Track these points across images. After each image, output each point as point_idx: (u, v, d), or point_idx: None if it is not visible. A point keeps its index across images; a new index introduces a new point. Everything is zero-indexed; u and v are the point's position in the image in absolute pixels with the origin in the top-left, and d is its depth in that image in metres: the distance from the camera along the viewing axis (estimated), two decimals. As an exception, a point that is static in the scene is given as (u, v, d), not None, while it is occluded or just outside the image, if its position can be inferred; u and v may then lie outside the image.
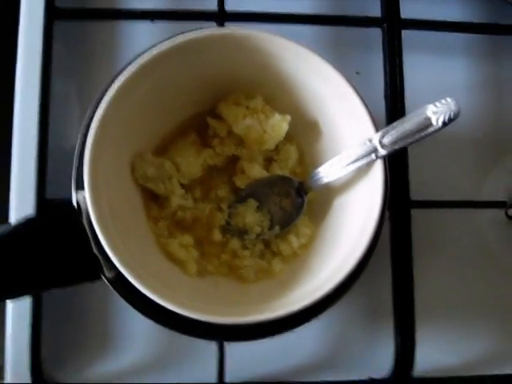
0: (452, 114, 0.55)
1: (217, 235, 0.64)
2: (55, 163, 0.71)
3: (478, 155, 0.79)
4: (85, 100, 0.74)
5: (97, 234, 0.54)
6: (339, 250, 0.59)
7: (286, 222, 0.65)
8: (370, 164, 0.58)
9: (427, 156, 0.75)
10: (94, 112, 0.56)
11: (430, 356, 0.72)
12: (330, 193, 0.64)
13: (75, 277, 0.57)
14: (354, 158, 0.58)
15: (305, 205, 0.64)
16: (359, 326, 0.74)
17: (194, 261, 0.62)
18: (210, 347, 0.69)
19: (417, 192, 0.72)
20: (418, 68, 0.78)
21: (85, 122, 0.58)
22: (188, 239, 0.63)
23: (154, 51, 0.57)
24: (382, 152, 0.57)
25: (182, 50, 0.58)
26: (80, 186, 0.56)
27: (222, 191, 0.66)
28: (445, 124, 0.55)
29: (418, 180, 0.72)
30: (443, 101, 0.55)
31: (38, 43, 0.72)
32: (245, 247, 0.65)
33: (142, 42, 0.73)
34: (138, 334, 0.72)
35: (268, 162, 0.67)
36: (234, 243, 0.65)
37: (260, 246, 0.65)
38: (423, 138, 0.56)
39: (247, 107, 0.64)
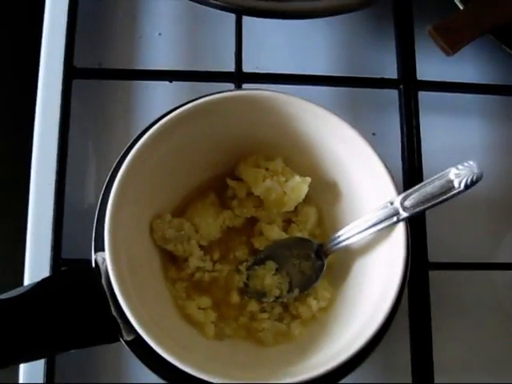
0: (475, 176, 0.55)
1: (235, 297, 0.64)
2: (71, 224, 0.71)
3: (494, 217, 0.78)
4: (101, 159, 0.75)
5: (116, 295, 0.54)
6: (360, 313, 0.58)
7: (305, 285, 0.64)
8: (391, 227, 0.58)
9: (444, 218, 0.75)
10: (115, 173, 0.57)
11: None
12: (350, 255, 0.64)
13: (93, 339, 0.56)
14: (375, 220, 0.58)
15: (324, 268, 0.63)
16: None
17: (211, 323, 0.61)
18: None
19: (434, 253, 0.72)
20: (434, 129, 0.78)
21: (106, 183, 0.58)
22: (206, 301, 0.62)
23: (174, 114, 0.58)
24: (404, 215, 0.57)
25: (200, 113, 0.59)
26: (99, 247, 0.56)
27: (241, 253, 0.65)
28: (467, 187, 0.55)
29: (434, 241, 0.72)
30: (465, 163, 0.55)
31: (56, 102, 0.73)
32: (263, 310, 0.64)
33: (160, 102, 0.75)
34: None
35: (287, 223, 0.66)
36: (252, 306, 0.64)
37: (279, 309, 0.64)
38: (445, 200, 0.56)
39: (267, 169, 0.64)
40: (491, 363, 0.75)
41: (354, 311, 0.60)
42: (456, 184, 0.55)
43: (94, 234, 0.58)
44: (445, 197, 0.56)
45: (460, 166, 0.55)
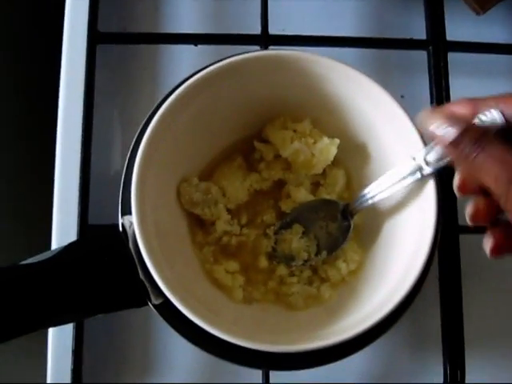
0: (498, 120, 0.51)
1: (263, 262, 0.63)
2: (97, 189, 0.70)
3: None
4: (127, 124, 0.74)
5: (143, 259, 0.53)
6: (390, 275, 0.58)
7: (333, 247, 0.63)
8: (420, 185, 0.57)
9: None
10: (140, 136, 0.56)
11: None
12: (379, 216, 0.63)
13: (122, 302, 0.56)
14: (398, 177, 0.56)
15: (351, 228, 0.62)
16: (407, 354, 0.72)
17: (239, 287, 0.61)
18: (255, 373, 0.67)
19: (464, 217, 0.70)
20: (463, 91, 0.75)
21: (131, 147, 0.57)
22: (234, 265, 0.62)
23: (200, 75, 0.57)
24: (427, 170, 0.55)
25: (228, 73, 0.58)
26: (126, 211, 0.55)
27: (268, 216, 0.65)
28: None
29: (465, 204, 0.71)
30: (487, 112, 0.52)
31: (81, 67, 0.72)
32: (292, 274, 0.64)
33: (185, 66, 0.74)
34: (181, 360, 0.70)
35: (315, 186, 0.66)
36: (281, 270, 0.63)
37: (308, 273, 0.64)
38: None
39: (295, 131, 0.63)
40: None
41: (384, 273, 0.59)
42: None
43: (120, 198, 0.57)
44: None
45: (481, 116, 0.52)
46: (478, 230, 0.69)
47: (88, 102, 0.71)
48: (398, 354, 0.72)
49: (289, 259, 0.64)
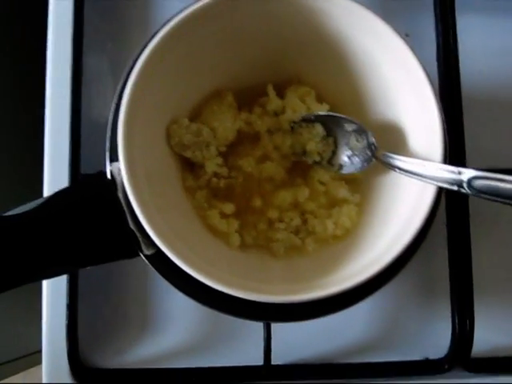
0: None
1: (257, 202, 0.59)
2: (89, 137, 0.66)
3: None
4: (117, 73, 0.68)
5: (133, 207, 0.49)
6: (395, 220, 0.53)
7: (348, 165, 0.59)
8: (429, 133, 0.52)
9: (483, 122, 0.69)
10: (127, 78, 0.52)
11: (488, 334, 0.67)
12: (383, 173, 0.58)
13: (111, 253, 0.52)
14: (434, 175, 0.51)
15: (372, 163, 0.57)
16: (414, 303, 0.69)
17: (236, 233, 0.58)
18: (255, 327, 0.65)
19: (474, 161, 0.66)
20: (471, 30, 0.72)
21: (118, 90, 0.53)
22: (229, 207, 0.58)
23: (188, 11, 0.52)
24: (465, 191, 0.50)
25: (216, 9, 0.53)
26: (114, 158, 0.51)
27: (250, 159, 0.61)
28: None
29: (474, 148, 0.66)
30: None
31: (69, 15, 0.68)
32: (281, 220, 0.60)
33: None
34: (179, 316, 0.68)
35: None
36: (272, 213, 0.59)
37: (297, 221, 0.60)
38: None
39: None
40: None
41: (388, 220, 0.55)
42: None
43: (108, 144, 0.53)
44: None
45: None
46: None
47: (77, 49, 0.67)
48: (405, 304, 0.69)
49: (300, 154, 0.60)
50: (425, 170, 0.51)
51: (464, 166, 0.64)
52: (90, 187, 0.53)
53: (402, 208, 0.53)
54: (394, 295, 0.68)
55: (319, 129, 0.59)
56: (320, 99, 0.61)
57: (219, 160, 0.59)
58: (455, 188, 0.50)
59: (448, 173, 0.50)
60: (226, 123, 0.59)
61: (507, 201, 0.48)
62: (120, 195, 0.51)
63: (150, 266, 0.52)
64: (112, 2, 0.72)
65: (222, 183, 0.59)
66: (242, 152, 0.61)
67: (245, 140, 0.61)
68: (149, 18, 0.71)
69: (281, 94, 0.61)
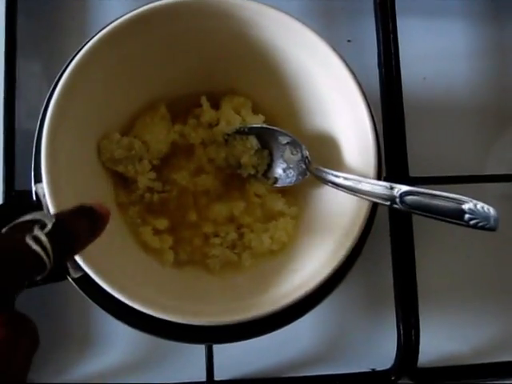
0: (487, 225, 0.46)
1: (192, 216, 0.57)
2: (25, 150, 0.63)
3: (480, 126, 0.71)
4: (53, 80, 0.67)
5: None
6: (331, 233, 0.52)
7: (282, 178, 0.57)
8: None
9: (425, 129, 0.68)
10: (52, 91, 0.49)
11: (434, 344, 0.65)
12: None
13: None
14: (367, 190, 0.49)
15: (307, 176, 0.55)
16: (359, 314, 0.67)
17: (169, 249, 0.55)
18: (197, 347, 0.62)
19: (416, 168, 0.64)
20: (413, 33, 0.70)
21: (44, 104, 0.50)
22: (163, 223, 0.56)
23: (116, 22, 0.50)
24: (398, 206, 0.48)
25: (149, 19, 0.51)
26: (39, 178, 0.48)
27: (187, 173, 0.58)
28: (474, 227, 0.46)
29: (416, 155, 0.65)
30: (485, 207, 0.46)
31: (1, 18, 0.65)
32: (217, 234, 0.57)
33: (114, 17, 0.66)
34: (122, 332, 0.65)
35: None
36: (208, 227, 0.57)
37: (233, 236, 0.57)
38: (446, 221, 0.47)
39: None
40: (479, 283, 0.69)
41: (323, 236, 0.53)
42: (466, 218, 0.46)
43: (33, 164, 0.50)
44: (447, 219, 0.47)
45: (479, 206, 0.46)
46: (430, 181, 0.64)
47: (10, 56, 0.64)
48: (351, 315, 0.67)
49: (235, 166, 0.58)
50: (358, 186, 0.49)
51: (398, 180, 0.62)
52: (13, 208, 0.50)
53: (338, 221, 0.51)
54: (338, 307, 0.66)
55: (253, 141, 0.57)
56: (256, 110, 0.59)
57: (152, 174, 0.56)
58: (388, 203, 0.48)
59: (381, 188, 0.48)
60: (159, 136, 0.57)
61: (438, 217, 0.47)
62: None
63: (78, 288, 0.49)
64: (47, 5, 0.68)
65: (156, 198, 0.56)
66: (176, 165, 0.58)
67: (179, 152, 0.58)
68: (85, 23, 0.69)
69: (216, 105, 0.59)
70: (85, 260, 0.46)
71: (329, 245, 0.51)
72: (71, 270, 0.48)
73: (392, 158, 0.63)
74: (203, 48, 0.55)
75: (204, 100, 0.58)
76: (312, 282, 0.48)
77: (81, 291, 0.49)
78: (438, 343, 0.66)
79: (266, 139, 0.57)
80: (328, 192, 0.54)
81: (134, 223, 0.55)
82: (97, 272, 0.46)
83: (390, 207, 0.49)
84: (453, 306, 0.67)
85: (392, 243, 0.64)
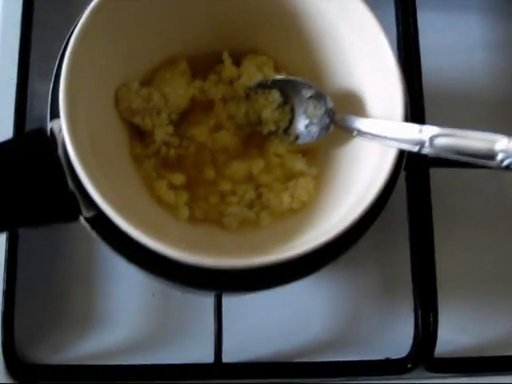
0: None
1: (208, 173, 0.54)
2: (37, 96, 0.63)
3: (496, 117, 0.70)
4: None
5: (74, 166, 0.44)
6: (355, 188, 0.49)
7: (304, 135, 0.54)
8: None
9: (444, 116, 0.66)
10: (73, 30, 0.47)
11: (451, 335, 0.62)
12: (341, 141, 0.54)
13: (48, 214, 0.46)
14: (394, 135, 0.47)
15: (331, 130, 0.52)
16: (375, 300, 0.64)
17: (184, 205, 0.52)
18: (206, 323, 0.59)
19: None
20: (432, 27, 0.69)
21: (65, 40, 0.48)
22: (179, 178, 0.53)
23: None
24: (427, 150, 0.45)
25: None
26: (56, 114, 0.46)
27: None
28: (507, 168, 0.44)
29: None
30: None
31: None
32: (234, 193, 0.55)
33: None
34: (126, 311, 0.62)
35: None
36: (224, 185, 0.54)
37: (251, 195, 0.54)
38: (477, 165, 0.45)
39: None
40: (501, 273, 0.66)
41: (344, 196, 0.50)
42: (498, 158, 0.43)
43: (49, 98, 0.48)
44: (479, 161, 0.44)
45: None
46: (450, 163, 0.62)
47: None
48: (366, 301, 0.64)
49: (256, 123, 0.55)
50: (385, 131, 0.47)
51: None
52: (26, 144, 0.47)
53: (362, 176, 0.49)
54: (354, 292, 0.64)
55: (275, 95, 0.54)
56: (278, 69, 0.57)
57: (170, 129, 0.54)
58: (416, 149, 0.46)
59: (409, 132, 0.46)
60: (179, 90, 0.54)
61: (470, 158, 0.44)
62: (60, 154, 0.45)
63: (90, 228, 0.46)
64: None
65: (172, 153, 0.54)
66: (195, 121, 0.55)
67: (198, 109, 0.56)
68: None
69: (238, 63, 0.57)
70: (100, 196, 0.43)
71: (352, 198, 0.48)
72: (83, 209, 0.46)
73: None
74: (225, 5, 0.54)
75: (226, 55, 0.56)
76: (335, 230, 0.45)
77: (93, 231, 0.46)
78: (454, 334, 0.63)
79: (288, 93, 0.54)
80: (350, 148, 0.52)
81: (148, 177, 0.53)
82: (113, 208, 0.43)
83: (419, 153, 0.46)
84: (472, 296, 0.64)
85: (410, 229, 0.62)
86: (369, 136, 0.48)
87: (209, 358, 0.58)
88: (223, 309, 0.58)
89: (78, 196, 0.45)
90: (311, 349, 0.62)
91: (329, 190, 0.53)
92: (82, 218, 0.46)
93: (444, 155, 0.45)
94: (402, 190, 0.62)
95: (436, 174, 0.62)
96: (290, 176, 0.55)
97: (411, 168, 0.61)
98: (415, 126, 0.46)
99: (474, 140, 0.44)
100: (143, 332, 0.61)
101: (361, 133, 0.49)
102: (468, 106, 0.69)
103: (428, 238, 0.61)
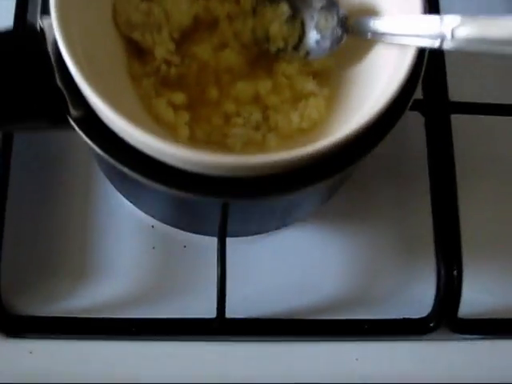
0: None
1: (212, 92, 0.50)
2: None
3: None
4: None
5: (64, 61, 0.40)
6: (369, 98, 0.45)
7: (315, 50, 0.50)
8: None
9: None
10: None
11: (476, 295, 0.57)
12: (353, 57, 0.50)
13: (34, 110, 0.42)
14: (414, 31, 0.42)
15: (343, 41, 0.48)
16: (392, 257, 0.59)
17: (185, 125, 0.48)
18: (209, 279, 0.54)
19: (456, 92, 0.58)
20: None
21: None
22: (180, 97, 0.49)
23: None
24: (448, 44, 0.41)
25: None
26: (47, 11, 0.42)
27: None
28: None
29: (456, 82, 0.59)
30: None
31: None
32: (239, 114, 0.50)
33: None
34: (124, 263, 0.57)
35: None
36: (228, 106, 0.50)
37: (257, 117, 0.50)
38: (505, 54, 0.40)
39: None
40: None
41: (359, 110, 0.46)
42: None
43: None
44: (507, 50, 0.40)
45: None
46: (473, 108, 0.58)
47: None
48: (383, 256, 0.59)
49: (263, 40, 0.51)
50: (403, 27, 0.43)
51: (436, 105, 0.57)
52: (15, 38, 0.43)
53: (379, 84, 0.44)
54: (370, 249, 0.59)
55: (284, 7, 0.50)
56: None
57: (171, 46, 0.49)
58: (437, 43, 0.41)
59: (429, 25, 0.41)
60: (182, 6, 0.50)
61: (497, 47, 0.40)
62: (50, 49, 0.42)
63: (78, 129, 0.42)
64: None
65: (173, 71, 0.49)
66: (198, 39, 0.51)
67: (201, 28, 0.52)
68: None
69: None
70: (94, 92, 0.39)
71: (368, 104, 0.44)
72: (71, 108, 0.42)
73: (430, 81, 0.57)
74: None
75: None
76: (349, 130, 0.40)
77: (81, 132, 0.42)
78: (479, 295, 0.57)
79: (298, 6, 0.50)
80: (366, 62, 0.48)
81: (147, 96, 0.48)
82: (108, 105, 0.39)
83: (439, 49, 0.42)
84: (497, 255, 0.59)
85: (431, 178, 0.58)
86: (386, 37, 0.44)
87: (212, 313, 0.54)
88: (228, 263, 0.54)
89: (66, 93, 0.42)
90: (323, 307, 0.56)
91: (342, 109, 0.48)
92: (70, 120, 0.42)
93: (467, 48, 0.40)
94: (422, 139, 0.57)
95: (457, 122, 0.58)
96: (299, 97, 0.50)
97: (431, 114, 0.57)
98: (435, 18, 0.41)
99: (501, 26, 0.39)
100: (142, 286, 0.56)
101: (377, 35, 0.45)
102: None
103: (450, 189, 0.57)
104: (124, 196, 0.57)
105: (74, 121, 0.42)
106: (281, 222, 0.56)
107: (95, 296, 0.56)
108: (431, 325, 0.55)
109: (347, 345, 0.55)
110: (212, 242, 0.55)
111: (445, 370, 0.54)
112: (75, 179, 0.58)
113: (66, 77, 0.41)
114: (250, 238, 0.58)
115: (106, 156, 0.42)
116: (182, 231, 0.58)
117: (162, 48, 0.49)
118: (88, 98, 0.41)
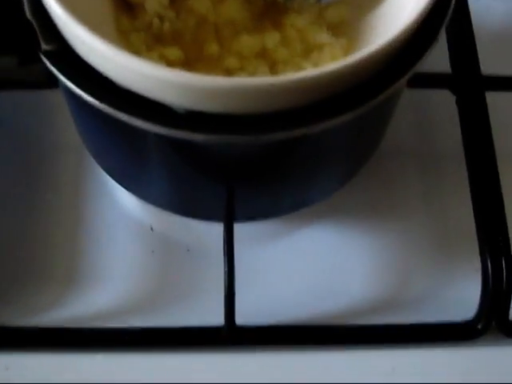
0: None
1: (212, 47, 0.44)
2: None
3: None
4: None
5: None
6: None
7: None
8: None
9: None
10: None
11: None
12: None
13: (2, 49, 0.37)
14: None
15: None
16: (427, 255, 0.51)
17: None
18: (216, 281, 0.47)
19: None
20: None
21: None
22: (174, 52, 0.43)
23: None
24: None
25: None
26: None
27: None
28: None
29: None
30: None
31: None
32: (243, 69, 0.44)
33: None
34: (120, 268, 0.50)
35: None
36: (230, 61, 0.44)
37: (263, 69, 0.43)
38: None
39: None
40: None
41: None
42: None
43: None
44: None
45: None
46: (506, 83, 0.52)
47: None
48: (416, 258, 0.51)
49: None
50: None
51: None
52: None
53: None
54: (401, 243, 0.51)
55: None
56: None
57: (166, 1, 0.44)
58: None
59: None
60: None
61: None
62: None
63: (49, 64, 0.37)
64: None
65: (167, 26, 0.43)
66: None
67: None
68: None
69: None
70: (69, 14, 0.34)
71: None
72: (42, 41, 0.37)
73: (460, 54, 0.51)
74: None
75: None
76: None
77: (53, 68, 0.36)
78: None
79: None
80: (383, 5, 0.43)
81: (137, 51, 0.42)
82: (83, 28, 0.34)
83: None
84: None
85: (468, 164, 0.51)
86: None
87: (219, 320, 0.46)
88: (238, 264, 0.46)
89: (37, 26, 0.36)
90: (349, 312, 0.48)
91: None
92: (41, 55, 0.37)
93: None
94: (454, 121, 0.51)
95: (492, 100, 0.51)
96: (312, 50, 0.44)
97: (462, 92, 0.51)
98: None
99: None
100: (139, 292, 0.49)
101: None
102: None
103: (492, 175, 0.50)
104: (118, 180, 0.50)
105: (46, 55, 0.36)
106: (294, 201, 0.49)
107: (87, 304, 0.48)
108: (478, 328, 0.46)
109: (381, 353, 0.46)
110: (217, 244, 0.47)
111: (495, 379, 0.45)
112: (64, 175, 0.53)
113: (37, 9, 0.36)
114: (261, 237, 0.51)
115: (81, 92, 0.36)
116: (183, 234, 0.51)
117: (154, 1, 0.44)
118: (63, 28, 0.35)
